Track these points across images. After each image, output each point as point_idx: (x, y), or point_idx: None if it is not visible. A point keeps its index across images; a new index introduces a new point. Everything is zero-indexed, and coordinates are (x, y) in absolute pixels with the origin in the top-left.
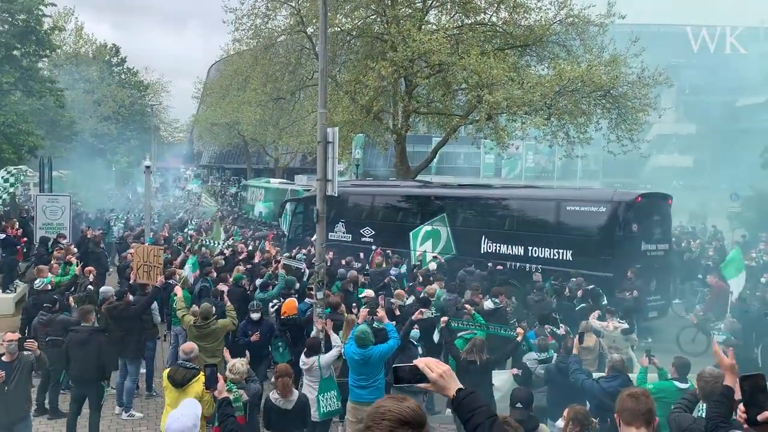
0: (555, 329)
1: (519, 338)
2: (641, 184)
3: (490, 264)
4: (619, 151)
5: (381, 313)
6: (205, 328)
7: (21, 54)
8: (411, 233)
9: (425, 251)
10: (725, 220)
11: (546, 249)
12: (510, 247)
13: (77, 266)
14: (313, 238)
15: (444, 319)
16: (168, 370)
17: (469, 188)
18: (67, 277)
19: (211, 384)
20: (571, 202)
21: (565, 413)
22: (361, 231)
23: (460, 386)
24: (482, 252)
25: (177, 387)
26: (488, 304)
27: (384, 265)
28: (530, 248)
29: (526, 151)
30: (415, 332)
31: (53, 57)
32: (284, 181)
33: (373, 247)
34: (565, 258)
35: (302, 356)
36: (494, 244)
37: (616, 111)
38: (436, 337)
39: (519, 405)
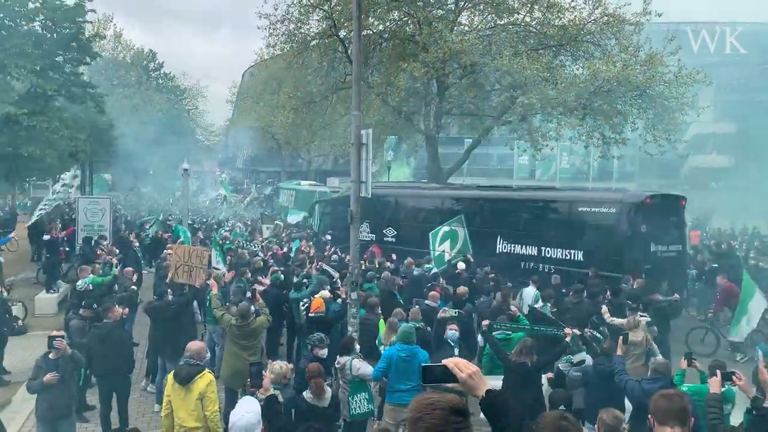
0: (595, 333)
1: (567, 339)
2: (679, 184)
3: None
4: (656, 152)
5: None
6: (246, 327)
7: (63, 60)
8: (430, 233)
9: (443, 251)
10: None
11: (558, 249)
12: (524, 247)
13: (116, 267)
14: (327, 237)
15: (485, 322)
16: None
17: (485, 190)
18: (108, 278)
19: (256, 382)
20: (582, 203)
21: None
22: (384, 231)
23: (489, 387)
24: (497, 252)
25: (182, 384)
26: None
27: (388, 264)
28: (543, 249)
29: (560, 152)
30: (452, 333)
31: (93, 63)
32: (314, 183)
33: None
34: (576, 258)
35: (338, 356)
36: (509, 245)
37: (653, 111)
38: (480, 340)
39: (563, 407)
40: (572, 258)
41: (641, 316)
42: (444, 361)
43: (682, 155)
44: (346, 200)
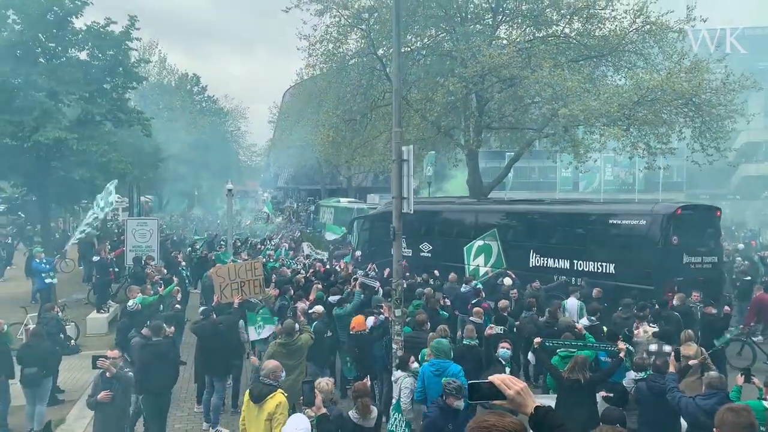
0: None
1: (621, 354)
2: (729, 195)
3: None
4: (705, 161)
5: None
6: (292, 345)
7: (110, 87)
8: (465, 248)
9: (478, 265)
10: None
11: (590, 262)
12: (556, 260)
13: (160, 287)
14: (358, 253)
15: (537, 340)
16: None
17: (518, 204)
18: (152, 297)
19: (308, 400)
20: (613, 216)
21: None
22: (420, 246)
23: (538, 404)
24: (530, 266)
25: (255, 402)
26: (584, 321)
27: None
28: (575, 262)
29: (604, 164)
30: (504, 352)
31: (139, 88)
32: (352, 200)
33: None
34: (608, 271)
35: (394, 369)
36: (542, 258)
37: (700, 119)
38: (531, 358)
39: (618, 426)
40: (604, 271)
41: (650, 326)
42: (491, 378)
43: (732, 164)
44: (383, 216)
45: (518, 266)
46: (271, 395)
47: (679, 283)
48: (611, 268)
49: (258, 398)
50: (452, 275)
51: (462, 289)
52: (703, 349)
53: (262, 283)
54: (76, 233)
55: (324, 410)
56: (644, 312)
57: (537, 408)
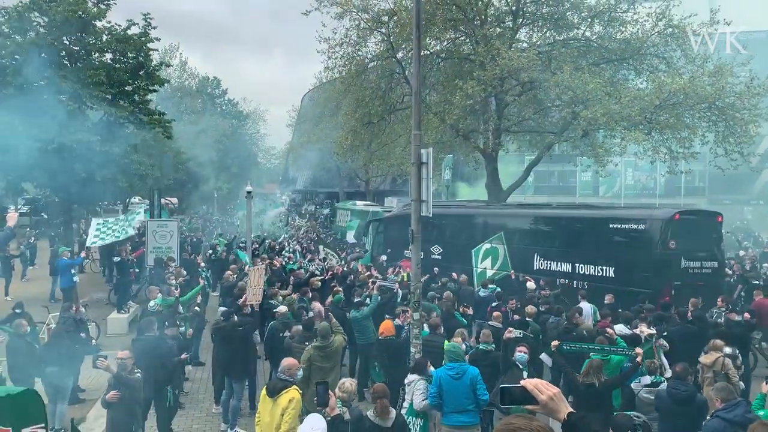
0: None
1: (638, 359)
2: (752, 200)
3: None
4: (728, 166)
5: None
6: (328, 347)
7: (132, 89)
8: (473, 251)
9: (485, 268)
10: None
11: (591, 266)
12: (559, 264)
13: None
14: (383, 257)
15: (554, 343)
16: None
17: (523, 208)
18: (171, 300)
19: (322, 401)
20: (614, 220)
21: None
22: (431, 249)
23: (571, 409)
24: (535, 269)
25: (270, 396)
26: (620, 328)
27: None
28: (577, 265)
29: (625, 168)
30: (521, 356)
31: (161, 91)
32: (368, 203)
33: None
34: (608, 275)
35: (409, 373)
36: (546, 261)
37: (724, 123)
38: (548, 360)
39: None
40: (605, 274)
41: (649, 330)
42: (523, 382)
43: (756, 169)
44: (398, 219)
45: (523, 269)
46: (285, 390)
47: (676, 288)
48: (611, 272)
49: (273, 392)
50: (463, 277)
51: (481, 293)
52: (726, 360)
53: (261, 291)
54: (96, 237)
55: (337, 411)
56: (645, 313)
57: (570, 414)
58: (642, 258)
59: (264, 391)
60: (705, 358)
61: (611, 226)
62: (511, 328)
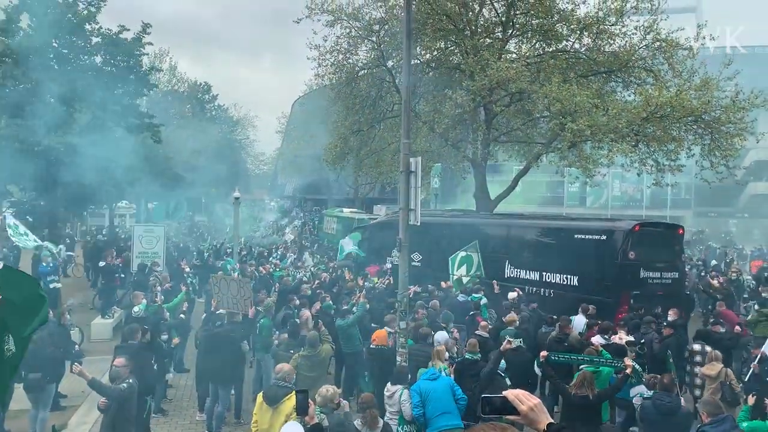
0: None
1: (628, 371)
2: (737, 213)
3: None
4: (714, 179)
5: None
6: (315, 357)
7: (122, 93)
8: (449, 258)
9: (461, 275)
10: None
11: (557, 275)
12: (527, 272)
13: (182, 295)
14: (387, 265)
15: (543, 353)
16: (263, 390)
17: (496, 217)
18: (154, 306)
19: (302, 410)
20: (578, 231)
21: None
22: (412, 256)
23: (551, 420)
24: (506, 277)
25: (270, 404)
26: (598, 339)
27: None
28: (544, 274)
29: (612, 180)
30: (503, 364)
31: (150, 95)
32: (354, 210)
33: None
34: (572, 283)
35: (388, 383)
36: (515, 269)
37: (710, 136)
38: (537, 370)
39: None
40: (569, 283)
41: (626, 340)
42: (505, 393)
43: (741, 182)
44: (383, 226)
45: (495, 277)
46: (287, 396)
47: (635, 297)
48: (575, 281)
49: (274, 400)
50: (448, 283)
51: (459, 298)
52: (728, 370)
53: (252, 303)
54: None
55: (316, 420)
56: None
57: (550, 424)
58: (603, 268)
59: (260, 399)
60: (708, 370)
61: (576, 236)
62: (510, 338)
